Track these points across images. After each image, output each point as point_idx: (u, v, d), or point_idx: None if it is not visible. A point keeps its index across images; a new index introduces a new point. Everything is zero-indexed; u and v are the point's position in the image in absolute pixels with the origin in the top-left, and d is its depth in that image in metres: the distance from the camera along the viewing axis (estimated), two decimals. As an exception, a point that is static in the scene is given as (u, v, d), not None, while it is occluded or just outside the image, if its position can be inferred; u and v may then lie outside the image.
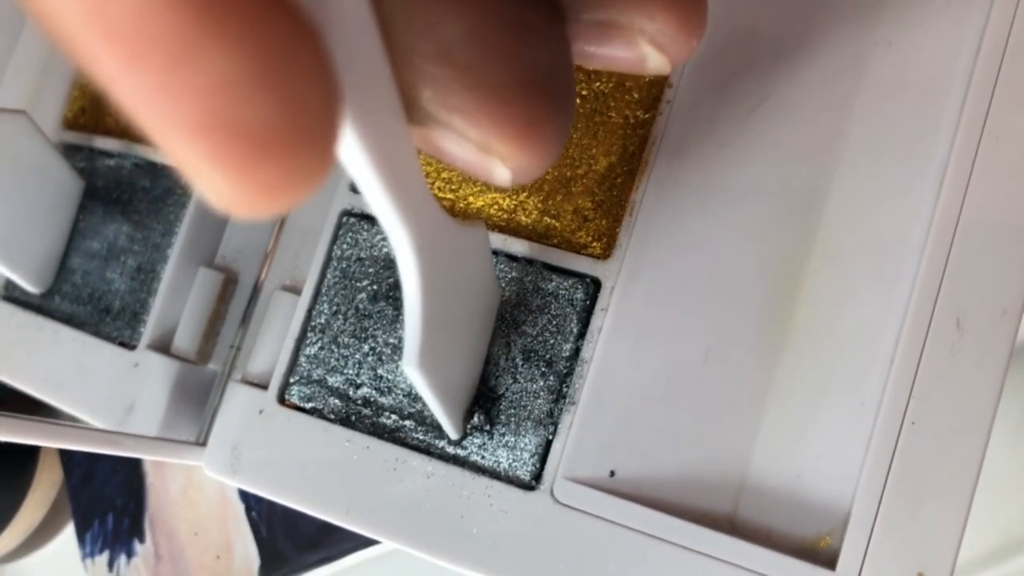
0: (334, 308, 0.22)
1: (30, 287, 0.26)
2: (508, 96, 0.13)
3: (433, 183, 0.22)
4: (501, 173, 0.14)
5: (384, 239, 0.22)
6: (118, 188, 0.26)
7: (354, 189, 0.23)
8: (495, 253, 0.21)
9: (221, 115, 0.08)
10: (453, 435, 0.20)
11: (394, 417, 0.21)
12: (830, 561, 0.18)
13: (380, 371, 0.21)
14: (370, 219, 0.22)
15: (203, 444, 0.23)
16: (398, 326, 0.21)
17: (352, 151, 0.12)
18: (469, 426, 0.20)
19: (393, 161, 0.13)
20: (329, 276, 0.22)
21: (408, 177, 0.13)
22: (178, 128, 0.09)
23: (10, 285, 0.27)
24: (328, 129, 0.10)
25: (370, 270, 0.22)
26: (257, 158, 0.09)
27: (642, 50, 0.14)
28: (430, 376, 0.17)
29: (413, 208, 0.14)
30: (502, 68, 0.13)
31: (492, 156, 0.14)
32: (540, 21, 0.14)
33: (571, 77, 0.14)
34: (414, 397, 0.21)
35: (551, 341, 0.20)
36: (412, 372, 0.16)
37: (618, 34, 0.14)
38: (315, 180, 0.10)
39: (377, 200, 0.13)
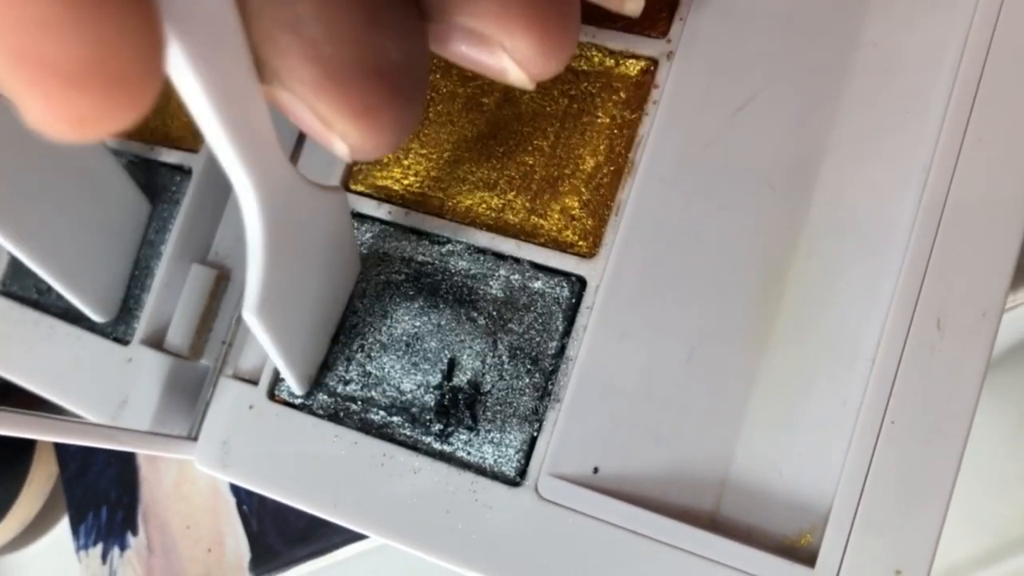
0: (324, 305, 0.22)
1: (94, 315, 0.25)
2: (349, 77, 0.13)
3: (422, 182, 0.22)
4: (339, 147, 0.15)
5: (374, 236, 0.22)
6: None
7: (345, 186, 0.23)
8: (483, 251, 0.21)
9: (34, 49, 0.09)
10: (297, 390, 0.22)
11: (382, 413, 0.21)
12: (810, 559, 0.18)
13: (368, 368, 0.21)
14: (360, 217, 0.22)
15: (195, 439, 0.23)
16: (387, 323, 0.21)
17: (196, 97, 0.12)
18: (454, 421, 0.20)
19: (238, 110, 0.13)
20: (319, 273, 0.22)
21: (255, 128, 0.14)
22: None
23: (7, 279, 0.27)
24: (142, 73, 0.10)
25: (360, 267, 0.22)
26: (66, 92, 0.10)
27: (503, 63, 0.15)
28: (269, 325, 0.17)
29: (259, 158, 0.14)
30: (346, 50, 0.13)
31: (331, 129, 0.14)
32: (395, 13, 0.14)
33: (422, 72, 0.15)
34: (402, 393, 0.21)
35: (537, 339, 0.20)
36: (250, 318, 0.17)
37: (480, 41, 0.15)
38: (126, 116, 0.10)
39: (221, 147, 0.14)
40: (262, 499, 0.30)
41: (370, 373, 0.21)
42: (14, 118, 0.10)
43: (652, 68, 0.21)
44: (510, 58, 0.15)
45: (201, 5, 0.12)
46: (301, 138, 0.24)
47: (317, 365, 0.22)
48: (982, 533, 0.31)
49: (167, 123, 0.26)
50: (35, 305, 0.27)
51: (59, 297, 0.26)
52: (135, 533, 0.34)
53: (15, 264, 0.27)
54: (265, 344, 0.18)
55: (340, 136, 0.14)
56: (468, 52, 0.15)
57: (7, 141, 0.21)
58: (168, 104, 0.26)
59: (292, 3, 0.13)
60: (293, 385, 0.21)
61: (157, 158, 0.26)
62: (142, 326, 0.25)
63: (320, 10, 0.13)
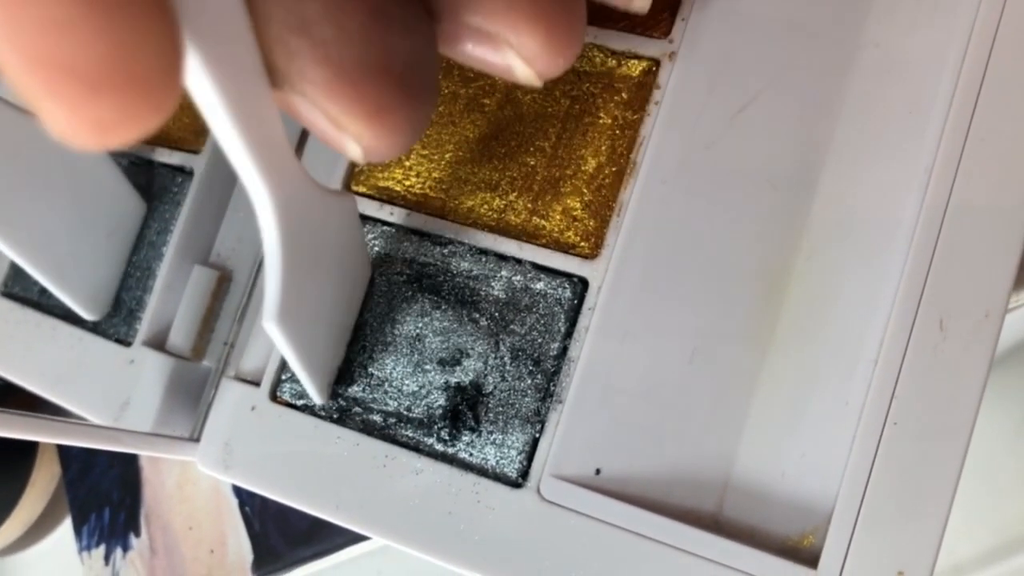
0: (325, 306, 0.22)
1: (84, 313, 0.25)
2: (359, 77, 0.13)
3: (424, 183, 0.22)
4: (352, 149, 0.15)
5: (375, 237, 0.22)
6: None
7: (346, 188, 0.23)
8: (484, 252, 0.21)
9: (53, 53, 0.09)
10: (317, 399, 0.21)
11: (384, 414, 0.21)
12: (813, 560, 0.18)
13: (371, 369, 0.21)
14: (361, 218, 0.22)
15: (197, 440, 0.23)
16: (388, 324, 0.21)
17: (211, 104, 0.12)
18: (456, 422, 0.20)
19: (252, 117, 0.13)
20: (321, 274, 0.22)
21: (268, 134, 0.14)
22: (17, 60, 0.09)
23: (9, 281, 0.27)
24: (162, 78, 0.10)
25: (361, 269, 0.22)
26: (87, 96, 0.10)
27: (510, 60, 0.15)
28: (289, 333, 0.17)
29: (274, 165, 0.14)
30: (356, 49, 0.13)
31: (344, 132, 0.14)
32: (404, 13, 0.14)
33: (433, 72, 0.15)
34: (404, 394, 0.21)
35: (539, 340, 0.20)
36: (270, 327, 0.17)
37: (487, 40, 0.15)
38: (148, 121, 0.10)
39: (237, 155, 0.14)
40: (264, 500, 0.30)
41: (372, 374, 0.21)
42: (6, 118, 0.10)
43: (654, 69, 0.21)
44: (517, 55, 0.15)
45: (212, 8, 0.11)
46: (303, 140, 0.24)
47: (335, 372, 0.21)
48: (985, 531, 0.31)
49: (168, 124, 0.26)
50: (37, 306, 0.27)
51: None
52: (138, 534, 0.34)
53: (17, 265, 0.27)
54: (286, 353, 0.18)
55: (353, 138, 0.14)
56: (475, 51, 0.15)
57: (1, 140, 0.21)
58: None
59: (300, 5, 0.13)
60: (314, 394, 0.21)
61: (159, 159, 0.26)
62: (144, 327, 0.25)
63: (329, 11, 0.13)
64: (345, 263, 0.20)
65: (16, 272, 0.27)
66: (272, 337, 0.17)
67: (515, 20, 0.14)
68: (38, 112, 0.10)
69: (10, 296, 0.27)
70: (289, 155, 0.15)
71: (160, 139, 0.26)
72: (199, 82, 0.12)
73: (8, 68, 0.10)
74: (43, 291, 0.27)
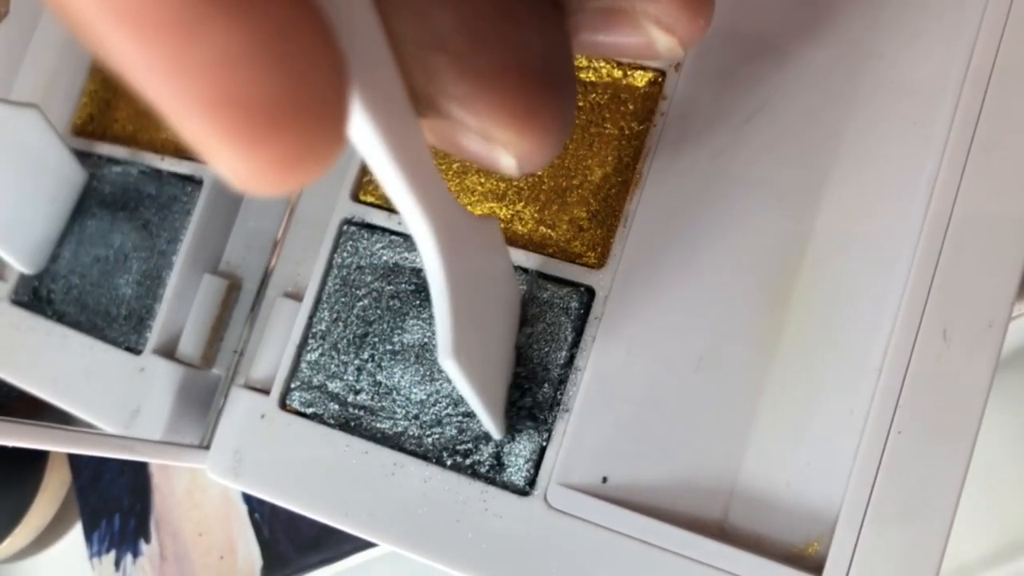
0: (334, 315, 0.22)
1: (23, 268, 0.27)
2: (503, 83, 0.13)
3: (431, 193, 0.22)
4: (507, 161, 0.14)
5: (383, 247, 0.22)
6: (124, 195, 0.27)
7: (355, 198, 0.23)
8: (492, 262, 0.21)
9: (229, 90, 0.09)
10: (496, 434, 0.20)
11: (392, 422, 0.21)
12: (817, 567, 0.18)
13: (379, 377, 0.22)
14: (370, 228, 0.23)
15: (207, 447, 0.23)
16: (397, 333, 0.22)
17: (368, 140, 0.12)
18: (465, 431, 0.21)
19: (407, 148, 0.13)
20: (330, 284, 0.23)
21: (423, 166, 0.14)
22: (189, 105, 0.09)
23: (19, 290, 0.28)
24: (336, 104, 0.10)
25: (369, 278, 0.22)
26: (267, 132, 0.09)
27: (650, 33, 0.14)
28: (466, 368, 0.17)
29: (432, 198, 0.14)
30: (495, 55, 0.13)
31: (495, 144, 0.14)
32: (534, 9, 0.14)
33: (570, 64, 0.14)
34: (412, 403, 0.21)
35: (546, 349, 0.21)
36: (449, 364, 0.16)
37: (623, 19, 0.14)
38: (327, 157, 0.10)
39: (396, 188, 0.13)
40: (274, 506, 0.31)
41: (380, 383, 0.22)
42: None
43: (660, 80, 0.21)
44: (655, 25, 0.14)
45: (360, 34, 0.11)
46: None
47: (505, 405, 0.21)
48: (991, 533, 0.31)
49: (177, 133, 0.27)
50: (48, 314, 0.27)
51: (71, 306, 0.26)
52: (148, 540, 0.34)
53: (25, 275, 0.27)
54: (464, 390, 0.18)
55: (504, 147, 0.14)
56: (610, 36, 0.14)
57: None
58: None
59: (431, 20, 0.12)
60: (492, 430, 0.20)
61: (168, 168, 0.26)
62: (154, 336, 0.25)
63: (460, 20, 0.13)
64: (500, 290, 0.19)
65: (24, 281, 0.28)
66: (450, 375, 0.17)
67: None
68: (212, 159, 0.10)
69: (21, 304, 0.27)
70: (442, 185, 0.15)
71: (170, 149, 0.27)
72: (358, 121, 0.12)
73: (176, 115, 0.09)
74: (50, 299, 0.27)
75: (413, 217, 0.14)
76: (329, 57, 0.10)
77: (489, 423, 0.20)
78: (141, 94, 0.09)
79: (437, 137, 0.14)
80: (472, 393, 0.18)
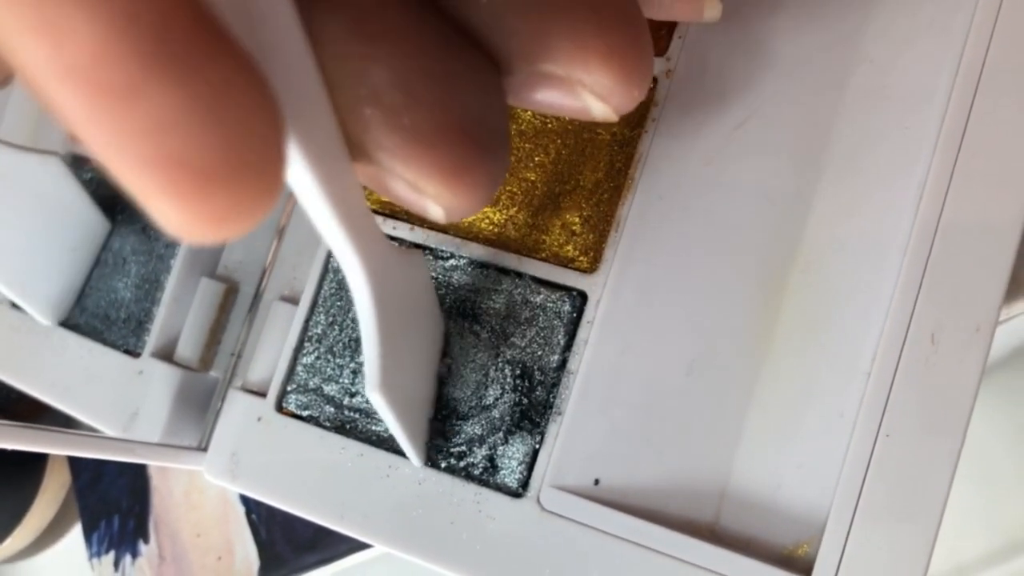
0: (330, 319, 0.23)
1: (42, 319, 0.26)
2: (434, 140, 0.13)
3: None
4: (435, 211, 0.14)
5: (379, 252, 0.23)
6: (124, 200, 0.27)
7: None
8: (485, 266, 0.22)
9: (166, 150, 0.09)
10: (416, 462, 0.21)
11: (386, 425, 0.21)
12: (807, 569, 0.18)
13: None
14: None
15: (205, 449, 0.23)
16: (392, 337, 0.22)
17: (304, 184, 0.13)
18: (459, 434, 0.21)
19: (341, 192, 0.13)
20: (325, 287, 0.23)
21: (356, 207, 0.14)
22: (129, 162, 0.09)
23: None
24: (271, 163, 0.10)
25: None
26: (202, 190, 0.10)
27: (584, 100, 0.15)
28: (391, 399, 0.17)
29: (363, 236, 0.15)
30: (429, 113, 0.13)
31: (423, 195, 0.14)
32: (471, 70, 0.14)
33: (504, 123, 0.15)
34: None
35: (538, 352, 0.21)
36: (375, 397, 0.17)
37: (558, 85, 0.14)
38: (260, 210, 0.10)
39: (329, 229, 0.14)
40: (271, 508, 0.31)
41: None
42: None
43: (652, 86, 0.21)
44: (592, 95, 0.14)
45: (298, 88, 0.11)
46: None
47: (426, 434, 0.21)
48: (989, 532, 0.31)
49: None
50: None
51: (70, 309, 0.26)
52: (146, 541, 0.35)
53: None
54: (389, 421, 0.18)
55: (433, 199, 0.14)
56: (547, 97, 0.15)
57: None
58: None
59: (368, 75, 0.13)
60: (413, 457, 0.20)
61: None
62: (152, 339, 0.25)
63: (396, 78, 0.13)
64: (425, 319, 0.20)
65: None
66: (376, 406, 0.17)
67: (586, 59, 0.14)
68: (150, 210, 0.10)
69: (19, 307, 0.27)
70: (373, 223, 0.15)
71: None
72: (291, 163, 0.12)
73: (117, 170, 0.10)
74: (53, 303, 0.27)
75: (345, 255, 0.15)
76: (266, 116, 0.10)
77: (411, 451, 0.20)
78: (88, 149, 0.10)
79: (369, 180, 0.14)
80: (396, 423, 0.18)
